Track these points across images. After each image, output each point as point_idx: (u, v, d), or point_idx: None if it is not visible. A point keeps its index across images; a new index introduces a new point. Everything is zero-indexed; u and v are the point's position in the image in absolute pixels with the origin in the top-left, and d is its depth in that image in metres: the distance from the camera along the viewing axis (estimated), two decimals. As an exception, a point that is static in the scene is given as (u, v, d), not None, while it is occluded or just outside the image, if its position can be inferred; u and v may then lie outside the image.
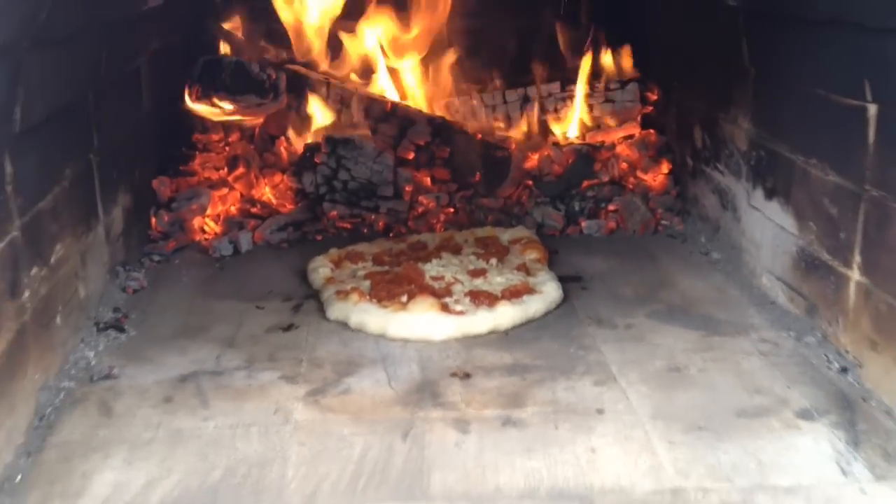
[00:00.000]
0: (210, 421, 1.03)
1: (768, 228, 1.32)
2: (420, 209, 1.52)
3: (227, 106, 1.48)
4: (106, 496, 0.91)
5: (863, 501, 0.94)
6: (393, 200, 1.51)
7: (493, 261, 1.31)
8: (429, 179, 1.55)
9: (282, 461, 0.95)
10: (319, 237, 1.49)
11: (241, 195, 1.51)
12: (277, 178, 1.53)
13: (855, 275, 1.10)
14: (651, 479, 0.92)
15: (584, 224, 1.50)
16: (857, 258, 1.10)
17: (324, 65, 1.70)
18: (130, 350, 1.18)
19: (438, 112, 1.65)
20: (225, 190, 1.49)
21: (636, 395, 1.07)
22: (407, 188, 1.51)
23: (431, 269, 1.28)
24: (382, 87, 1.67)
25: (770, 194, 1.31)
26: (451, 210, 1.54)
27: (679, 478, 0.92)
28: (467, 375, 1.11)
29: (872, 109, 1.07)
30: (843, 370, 1.11)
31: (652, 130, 1.69)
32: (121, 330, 1.18)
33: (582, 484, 0.91)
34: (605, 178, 1.57)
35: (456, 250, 1.36)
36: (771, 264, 1.31)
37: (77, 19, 1.17)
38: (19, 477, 0.93)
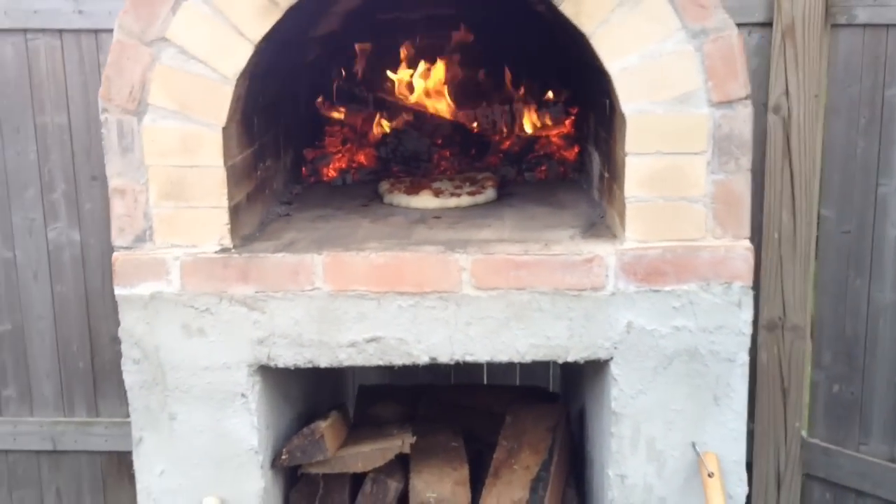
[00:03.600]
0: (332, 221, 2.32)
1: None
2: (442, 166, 2.85)
3: (342, 111, 2.85)
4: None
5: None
6: (426, 163, 2.84)
7: (468, 183, 2.62)
8: (448, 153, 2.87)
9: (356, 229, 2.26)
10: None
11: (348, 158, 2.86)
12: (368, 150, 2.88)
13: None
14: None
15: (525, 175, 2.80)
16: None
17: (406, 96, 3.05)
18: (293, 211, 2.51)
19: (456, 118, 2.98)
20: (340, 155, 2.85)
21: (509, 226, 2.31)
22: (435, 157, 2.84)
23: (437, 184, 2.60)
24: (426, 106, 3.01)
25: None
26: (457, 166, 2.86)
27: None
28: (437, 217, 2.39)
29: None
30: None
31: (571, 127, 2.94)
32: (289, 204, 2.53)
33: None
34: (541, 153, 2.87)
35: (451, 179, 2.68)
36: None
37: (283, 64, 2.54)
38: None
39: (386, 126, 2.80)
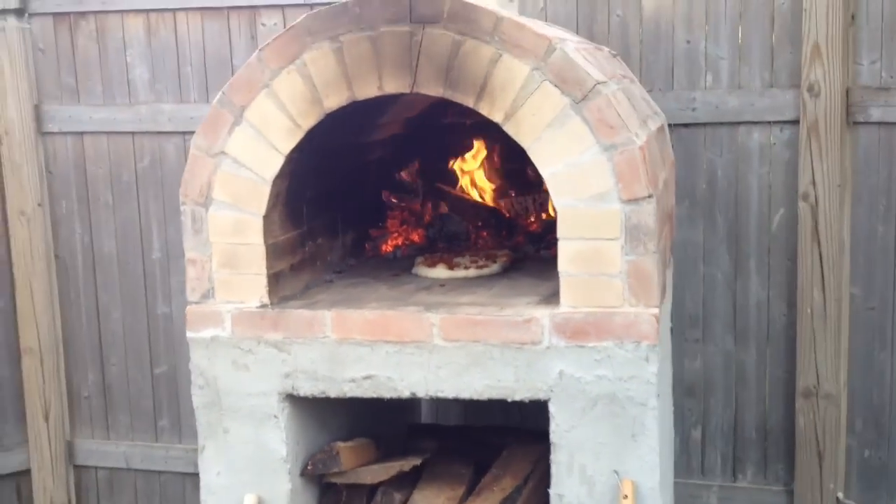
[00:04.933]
0: (360, 287, 3.00)
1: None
2: (479, 245, 3.45)
3: (399, 199, 3.53)
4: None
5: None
6: (465, 241, 3.46)
7: (484, 258, 3.20)
8: (484, 233, 3.48)
9: (373, 293, 2.91)
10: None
11: (403, 237, 3.52)
12: (419, 231, 3.53)
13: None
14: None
15: (542, 252, 3.35)
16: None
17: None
18: (339, 279, 3.19)
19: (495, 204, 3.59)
20: (396, 234, 3.52)
21: (490, 293, 2.90)
22: (472, 237, 3.45)
23: (458, 258, 3.20)
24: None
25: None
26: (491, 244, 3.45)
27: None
28: (442, 286, 2.98)
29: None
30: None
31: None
32: (340, 273, 3.20)
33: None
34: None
35: (474, 255, 3.27)
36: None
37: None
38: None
39: (431, 211, 3.46)
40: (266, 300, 2.65)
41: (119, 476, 4.55)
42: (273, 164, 2.58)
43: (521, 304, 2.58)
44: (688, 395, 3.93)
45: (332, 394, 2.61)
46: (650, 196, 2.39)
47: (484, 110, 2.45)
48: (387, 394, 2.58)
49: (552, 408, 2.48)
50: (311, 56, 2.51)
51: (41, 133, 4.30)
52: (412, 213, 3.49)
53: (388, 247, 3.39)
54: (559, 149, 2.42)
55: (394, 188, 3.51)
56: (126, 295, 4.34)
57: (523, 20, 2.45)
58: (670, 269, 3.40)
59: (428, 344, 2.53)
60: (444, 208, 3.44)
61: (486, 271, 2.99)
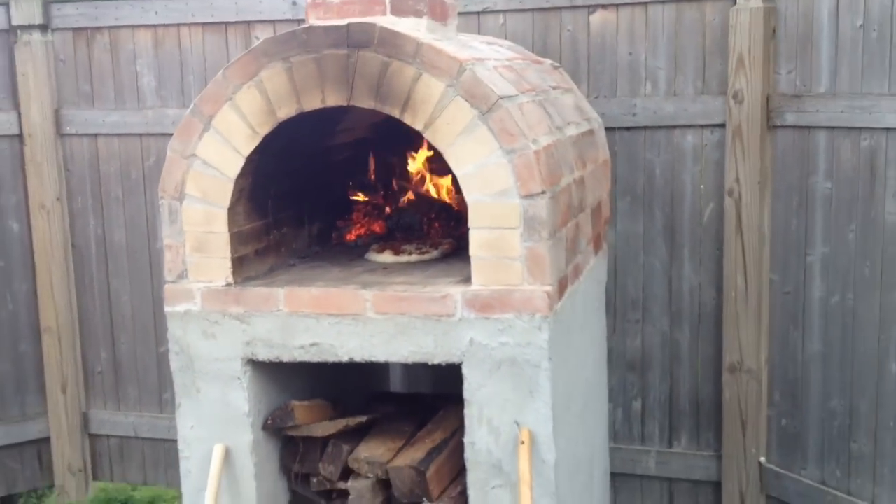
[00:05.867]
0: (317, 270, 3.50)
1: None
2: (431, 235, 3.92)
3: (361, 195, 4.00)
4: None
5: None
6: (419, 231, 3.93)
7: (429, 246, 3.67)
8: (437, 224, 3.95)
9: (325, 274, 3.40)
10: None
11: (366, 227, 4.00)
12: (380, 222, 4.01)
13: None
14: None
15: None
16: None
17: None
18: (301, 263, 3.68)
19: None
20: (359, 225, 3.99)
21: (424, 275, 3.37)
22: (425, 228, 3.92)
23: (405, 245, 3.67)
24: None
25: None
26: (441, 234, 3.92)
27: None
28: (386, 269, 3.45)
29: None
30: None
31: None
32: (304, 258, 3.68)
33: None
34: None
35: (419, 243, 3.74)
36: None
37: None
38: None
39: (389, 205, 3.94)
40: (231, 280, 3.14)
41: (129, 444, 5.08)
42: (235, 164, 3.07)
43: (443, 284, 3.05)
44: (630, 370, 4.38)
45: (285, 358, 3.10)
46: (544, 192, 2.84)
47: (408, 120, 2.92)
48: (330, 358, 3.06)
49: (465, 370, 2.95)
50: (267, 74, 3.00)
51: (60, 135, 4.84)
52: (374, 206, 3.97)
53: (351, 236, 3.86)
54: (469, 152, 2.88)
55: (359, 185, 3.99)
56: (134, 280, 4.86)
57: (441, 45, 2.92)
58: (601, 254, 3.85)
59: (362, 316, 3.01)
60: (403, 202, 3.92)
61: (426, 257, 3.46)
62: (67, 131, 4.81)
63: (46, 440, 5.03)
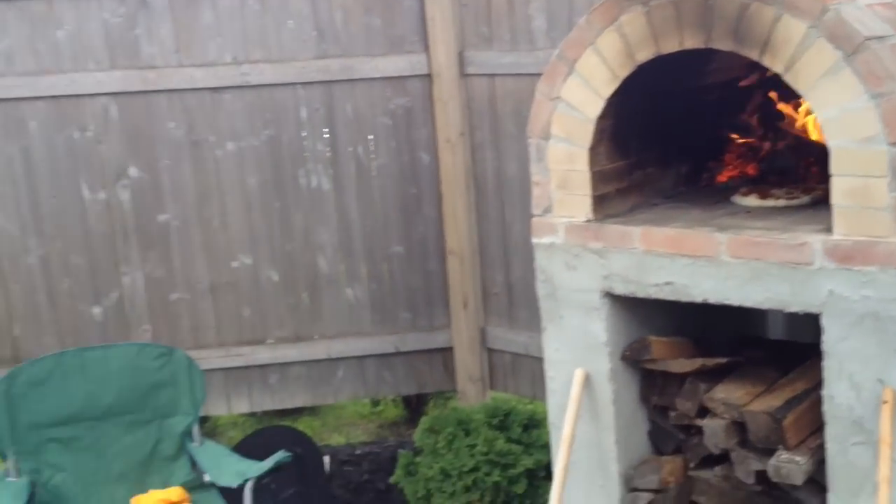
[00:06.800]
0: (678, 210, 3.53)
1: None
2: (808, 181, 3.75)
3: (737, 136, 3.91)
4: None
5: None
6: (794, 175, 3.77)
7: (800, 192, 3.52)
8: (814, 170, 3.78)
9: (685, 215, 3.42)
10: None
11: (739, 170, 3.91)
12: (753, 164, 3.90)
13: None
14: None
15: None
16: None
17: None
18: (665, 203, 3.73)
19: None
20: (731, 167, 3.91)
21: (785, 221, 3.22)
22: (801, 173, 3.76)
23: (775, 190, 3.56)
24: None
25: None
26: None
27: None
28: (748, 212, 3.40)
29: None
30: None
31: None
32: (669, 198, 3.72)
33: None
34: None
35: (792, 188, 3.59)
36: None
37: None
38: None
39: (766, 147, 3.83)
40: (591, 216, 3.30)
41: (520, 360, 5.47)
42: (596, 106, 3.20)
43: (804, 231, 2.97)
44: None
45: (640, 294, 3.22)
46: (914, 139, 2.65)
47: (767, 62, 2.85)
48: (683, 298, 3.12)
49: (824, 321, 2.86)
50: (627, 18, 3.07)
51: (463, 75, 5.25)
52: (749, 147, 3.90)
53: (722, 177, 3.83)
54: (832, 96, 2.76)
55: (734, 126, 3.93)
56: (524, 211, 5.19)
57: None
58: None
59: (716, 259, 3.03)
60: (780, 145, 3.80)
61: (794, 202, 3.35)
62: (469, 72, 5.19)
63: (450, 349, 5.56)
